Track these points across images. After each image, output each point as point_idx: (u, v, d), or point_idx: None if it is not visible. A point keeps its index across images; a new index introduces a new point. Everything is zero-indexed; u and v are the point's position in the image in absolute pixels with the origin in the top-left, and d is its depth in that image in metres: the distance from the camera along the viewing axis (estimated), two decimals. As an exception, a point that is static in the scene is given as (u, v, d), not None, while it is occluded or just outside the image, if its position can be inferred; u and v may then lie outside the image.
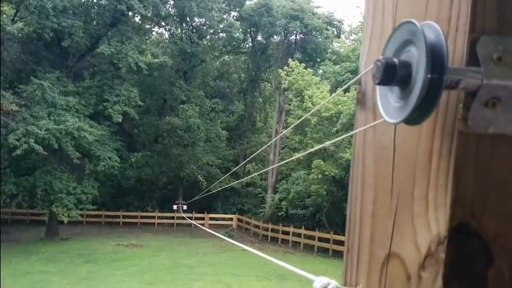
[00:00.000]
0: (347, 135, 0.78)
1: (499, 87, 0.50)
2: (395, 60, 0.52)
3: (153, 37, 30.73)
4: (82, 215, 24.21)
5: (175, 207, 24.45)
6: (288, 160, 22.24)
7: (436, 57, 0.48)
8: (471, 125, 0.53)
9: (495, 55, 0.51)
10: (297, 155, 21.02)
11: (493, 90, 0.51)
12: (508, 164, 0.56)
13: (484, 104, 0.52)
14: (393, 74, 0.51)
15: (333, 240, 21.19)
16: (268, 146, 30.59)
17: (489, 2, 0.54)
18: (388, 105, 0.55)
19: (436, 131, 0.57)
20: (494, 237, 0.57)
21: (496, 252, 0.57)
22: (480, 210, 0.56)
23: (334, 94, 21.03)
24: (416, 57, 0.50)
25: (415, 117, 0.51)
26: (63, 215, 21.11)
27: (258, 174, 29.66)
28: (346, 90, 22.47)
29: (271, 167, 25.76)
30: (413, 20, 0.51)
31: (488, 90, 0.51)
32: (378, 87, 0.58)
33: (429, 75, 0.48)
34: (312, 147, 22.29)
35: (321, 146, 19.18)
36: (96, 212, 26.07)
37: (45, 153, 19.66)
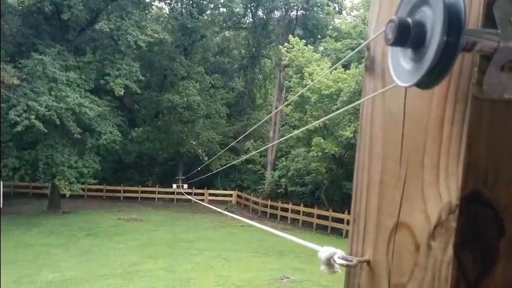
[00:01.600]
0: (356, 103, 0.75)
1: None
2: (410, 20, 0.50)
3: (153, 12, 30.28)
4: (83, 189, 24.41)
5: (174, 186, 24.06)
6: (285, 137, 22.23)
7: (453, 18, 0.46)
8: (486, 90, 0.51)
9: (513, 17, 0.49)
10: (295, 132, 21.00)
11: (510, 53, 0.49)
12: (523, 131, 0.54)
13: (500, 68, 0.50)
14: (407, 35, 0.49)
15: (332, 217, 21.36)
16: (267, 123, 30.57)
17: None
18: (400, 68, 0.53)
19: (448, 97, 0.55)
20: (507, 206, 0.56)
21: (508, 222, 0.56)
22: (493, 178, 0.55)
23: (330, 69, 20.87)
24: (431, 18, 0.48)
25: (428, 81, 0.49)
26: (65, 188, 21.26)
27: (258, 151, 29.75)
28: (347, 68, 22.31)
29: (269, 145, 25.78)
30: None
31: (505, 54, 0.49)
32: (389, 51, 0.56)
33: (445, 38, 0.46)
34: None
35: (318, 121, 19.17)
36: (98, 186, 26.23)
37: (45, 130, 19.66)
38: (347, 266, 0.71)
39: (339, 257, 0.70)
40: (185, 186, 22.58)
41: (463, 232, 0.54)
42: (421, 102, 0.60)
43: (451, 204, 0.54)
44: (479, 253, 0.55)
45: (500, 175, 0.55)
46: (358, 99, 0.74)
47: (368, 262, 0.70)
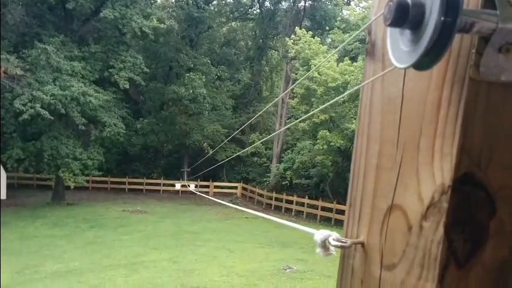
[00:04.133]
0: (356, 88, 0.76)
1: None
2: (409, 0, 0.50)
3: (158, 1, 30.21)
4: (88, 181, 24.50)
5: (178, 186, 22.86)
6: (286, 127, 22.11)
7: None
8: (483, 72, 0.51)
9: (513, -3, 0.49)
10: (295, 122, 20.94)
11: (508, 35, 0.49)
12: (517, 113, 0.54)
13: (497, 50, 0.50)
14: (405, 15, 0.49)
15: (336, 209, 21.39)
16: (274, 116, 30.52)
17: None
18: (399, 49, 0.53)
19: (446, 79, 0.55)
20: (499, 188, 0.56)
21: (500, 204, 0.56)
22: (487, 160, 0.55)
23: (326, 57, 20.76)
24: None
25: (425, 62, 0.49)
26: (69, 180, 21.34)
27: (263, 144, 29.73)
28: (354, 60, 22.20)
29: (272, 134, 25.74)
30: None
31: (503, 35, 0.49)
32: (388, 32, 0.56)
33: (442, 18, 0.46)
34: (318, 117, 22.24)
35: (314, 111, 19.14)
36: (102, 178, 26.34)
37: (52, 118, 19.70)
38: (341, 247, 0.71)
39: (333, 239, 0.71)
40: (192, 186, 21.56)
41: (454, 212, 0.54)
42: (420, 85, 0.60)
43: (444, 186, 0.55)
44: (470, 233, 0.55)
45: (494, 157, 0.55)
46: None
47: (362, 244, 0.70)
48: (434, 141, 0.57)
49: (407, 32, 0.51)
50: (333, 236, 0.72)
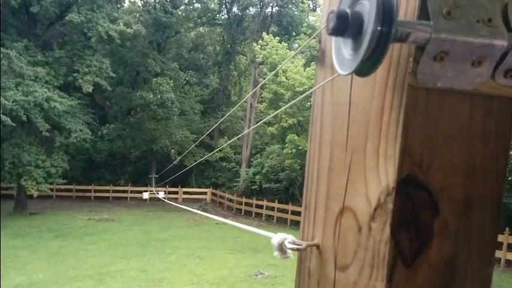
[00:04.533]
0: (307, 93, 0.79)
1: (447, 41, 0.51)
2: (348, 11, 0.53)
3: (125, 6, 29.82)
4: (52, 189, 23.79)
5: (145, 195, 21.87)
6: (250, 128, 22.20)
7: (386, 9, 0.49)
8: (420, 79, 0.54)
9: (445, 9, 0.52)
10: (258, 123, 21.06)
11: (441, 44, 0.52)
12: (455, 117, 0.58)
13: (432, 58, 0.53)
14: (345, 25, 0.52)
15: (305, 213, 21.54)
16: (242, 120, 30.59)
17: None
18: (342, 57, 0.56)
19: (388, 85, 0.58)
20: (441, 189, 0.59)
21: (442, 204, 0.59)
22: (428, 162, 0.58)
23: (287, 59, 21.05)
24: (368, 9, 0.51)
25: (364, 69, 0.52)
26: (32, 188, 20.68)
27: (232, 148, 29.70)
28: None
29: (236, 138, 25.79)
30: None
31: (437, 44, 0.52)
32: (333, 41, 0.59)
33: (378, 27, 0.48)
34: (286, 121, 22.44)
35: (274, 113, 19.34)
36: (67, 186, 25.67)
37: (14, 124, 19.08)
38: (297, 249, 0.73)
39: (289, 242, 0.73)
40: (161, 193, 20.40)
41: (399, 213, 0.57)
42: (365, 91, 0.63)
43: (389, 187, 0.58)
44: (415, 232, 0.58)
45: (434, 160, 0.58)
46: None
47: (317, 246, 0.72)
48: (379, 145, 0.60)
49: (349, 41, 0.54)
50: (288, 239, 0.74)
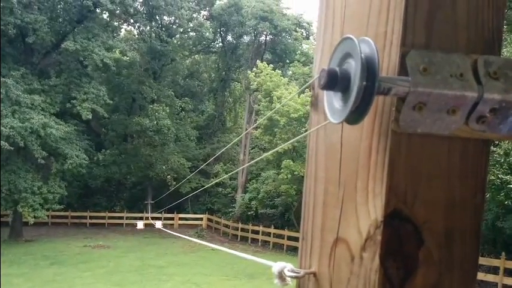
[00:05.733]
0: (303, 135, 0.87)
1: (424, 93, 0.59)
2: (337, 69, 0.61)
3: (121, 34, 30.26)
4: (48, 216, 23.63)
5: (140, 225, 21.01)
6: (254, 160, 22.29)
7: (369, 67, 0.57)
8: (402, 125, 0.62)
9: (421, 66, 0.60)
10: (264, 155, 21.14)
11: (419, 96, 0.60)
12: (434, 158, 0.65)
13: (412, 108, 0.61)
14: (335, 81, 0.60)
15: (302, 239, 21.41)
16: (238, 146, 30.66)
17: (418, 20, 0.63)
18: (333, 107, 0.64)
19: (374, 131, 0.66)
20: (424, 222, 0.66)
21: (426, 235, 0.66)
22: (411, 198, 0.65)
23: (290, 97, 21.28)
24: (354, 68, 0.59)
25: (353, 118, 0.60)
26: (28, 215, 20.55)
27: (227, 173, 29.66)
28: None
29: (239, 169, 25.82)
30: (352, 36, 0.59)
31: (415, 96, 0.60)
32: (324, 92, 0.66)
33: (364, 83, 0.56)
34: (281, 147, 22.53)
35: (280, 146, 19.43)
36: (62, 213, 25.49)
37: (12, 147, 19.08)
38: (296, 277, 0.80)
39: (288, 270, 0.79)
40: (158, 223, 19.28)
41: (387, 244, 0.64)
42: (354, 134, 0.71)
43: (377, 221, 0.65)
44: (402, 261, 0.65)
45: (418, 195, 0.65)
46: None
47: (314, 274, 0.79)
48: (367, 183, 0.67)
49: (338, 94, 0.62)
50: (287, 267, 0.80)
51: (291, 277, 0.79)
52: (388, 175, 0.64)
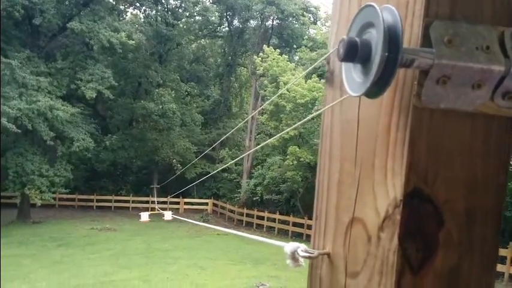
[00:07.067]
0: (318, 112, 0.84)
1: (449, 66, 0.56)
2: (357, 39, 0.58)
3: (127, 18, 30.09)
4: (55, 198, 23.85)
5: (145, 216, 20.66)
6: (260, 146, 22.29)
7: (392, 37, 0.54)
8: (424, 100, 0.59)
9: (446, 38, 0.57)
10: (269, 140, 21.11)
11: (443, 69, 0.57)
12: (457, 135, 0.63)
13: (435, 82, 0.58)
14: (355, 52, 0.57)
15: (307, 225, 21.51)
16: (243, 131, 30.64)
17: None
18: (352, 80, 0.61)
19: (394, 106, 0.63)
20: (445, 202, 0.64)
21: (446, 216, 0.64)
22: (432, 177, 0.63)
23: (299, 76, 21.16)
24: (376, 38, 0.56)
25: (374, 91, 0.57)
26: (35, 197, 20.77)
27: (233, 159, 29.66)
28: (322, 77, 22.65)
29: (245, 154, 25.83)
30: (374, 4, 0.56)
31: (439, 69, 0.57)
32: (343, 65, 0.64)
33: (386, 54, 0.54)
34: (287, 133, 22.48)
35: (288, 129, 19.37)
36: (69, 196, 25.72)
37: (19, 130, 19.19)
38: (309, 258, 0.78)
39: (302, 250, 0.77)
40: (167, 214, 18.72)
41: (406, 224, 0.62)
42: (372, 110, 0.68)
43: (396, 200, 0.62)
44: (421, 242, 0.63)
45: (438, 174, 0.63)
46: None
47: (328, 254, 0.77)
48: (386, 161, 0.64)
49: (358, 66, 0.59)
50: (301, 247, 0.78)
51: (305, 257, 0.78)
52: (408, 153, 0.61)
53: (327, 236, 0.79)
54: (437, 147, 0.62)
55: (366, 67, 0.57)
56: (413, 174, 0.62)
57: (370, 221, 0.68)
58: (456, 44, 0.57)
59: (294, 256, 0.79)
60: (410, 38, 0.60)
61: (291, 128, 16.36)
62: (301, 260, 0.80)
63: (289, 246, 0.80)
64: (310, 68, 18.87)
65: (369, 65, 0.57)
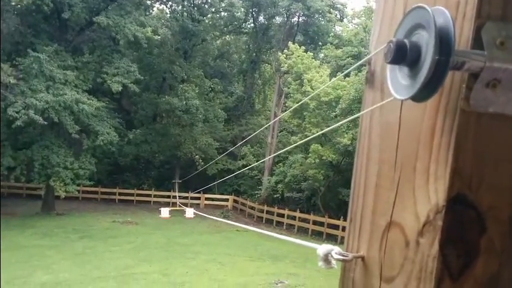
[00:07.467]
0: (358, 114, 0.82)
1: (500, 69, 0.55)
2: (406, 41, 0.56)
3: (153, 13, 30.38)
4: (78, 191, 24.31)
5: (165, 212, 20.72)
6: (284, 150, 22.21)
7: (444, 40, 0.52)
8: (472, 104, 0.57)
9: (498, 40, 0.55)
10: (296, 143, 21.03)
11: (495, 72, 0.55)
12: (504, 141, 0.61)
13: (485, 85, 0.56)
14: (404, 54, 0.56)
15: (327, 224, 21.40)
16: (266, 128, 30.62)
17: None
18: (397, 83, 0.60)
19: (439, 109, 0.62)
20: (488, 209, 0.62)
21: (489, 223, 0.62)
22: (477, 183, 0.61)
23: (334, 79, 20.97)
24: (426, 40, 0.54)
25: (422, 95, 0.55)
26: (60, 189, 21.22)
27: (255, 156, 29.73)
28: (347, 75, 22.45)
29: (270, 156, 25.79)
30: (425, 5, 0.55)
31: (490, 72, 0.55)
32: (388, 67, 0.62)
33: (437, 57, 0.52)
34: (310, 131, 22.36)
35: (320, 132, 19.25)
36: (93, 189, 26.19)
37: (45, 122, 19.63)
38: (343, 260, 0.77)
39: (336, 253, 0.76)
40: (189, 211, 18.48)
41: (448, 230, 0.60)
42: (415, 113, 0.66)
43: (438, 205, 0.61)
44: (462, 249, 0.61)
45: (483, 180, 0.61)
46: (356, 107, 0.80)
47: (362, 258, 0.76)
48: (429, 165, 0.63)
49: (405, 68, 0.58)
50: (335, 250, 0.77)
51: (339, 260, 0.77)
52: (453, 157, 0.59)
53: (361, 239, 0.78)
54: (483, 153, 0.60)
55: (414, 70, 0.56)
56: (457, 180, 0.60)
57: (409, 225, 0.66)
58: (509, 47, 0.55)
59: (326, 258, 0.79)
60: (460, 39, 0.59)
61: (324, 131, 16.23)
62: (334, 262, 0.79)
63: (322, 248, 0.79)
64: (351, 68, 18.72)
65: (417, 68, 0.55)
